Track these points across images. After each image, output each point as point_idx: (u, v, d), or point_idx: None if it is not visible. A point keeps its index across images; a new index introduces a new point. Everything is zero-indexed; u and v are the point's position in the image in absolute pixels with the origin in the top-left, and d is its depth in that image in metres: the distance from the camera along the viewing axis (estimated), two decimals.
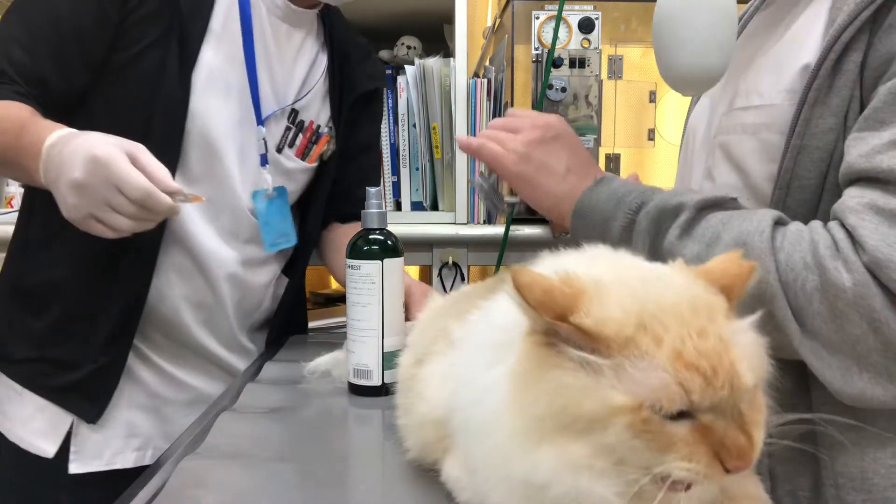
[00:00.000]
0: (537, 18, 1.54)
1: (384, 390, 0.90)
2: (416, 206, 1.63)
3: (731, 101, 0.75)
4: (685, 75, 0.71)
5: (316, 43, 1.19)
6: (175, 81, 1.00)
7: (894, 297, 0.57)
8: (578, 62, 1.54)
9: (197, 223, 1.07)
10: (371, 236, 0.92)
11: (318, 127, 1.20)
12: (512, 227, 1.55)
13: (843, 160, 0.63)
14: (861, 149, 0.61)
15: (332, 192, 1.25)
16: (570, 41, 1.54)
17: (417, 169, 1.62)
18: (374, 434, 0.84)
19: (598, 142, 1.56)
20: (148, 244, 1.02)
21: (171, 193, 0.86)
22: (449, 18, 1.65)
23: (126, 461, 1.09)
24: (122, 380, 1.07)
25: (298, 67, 1.16)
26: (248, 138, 1.09)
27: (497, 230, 1.54)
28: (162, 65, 1.00)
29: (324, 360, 1.02)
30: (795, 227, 0.63)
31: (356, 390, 0.92)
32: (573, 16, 1.53)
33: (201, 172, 1.06)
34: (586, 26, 1.53)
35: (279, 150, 1.15)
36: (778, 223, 0.63)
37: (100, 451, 1.07)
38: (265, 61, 1.10)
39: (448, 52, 1.68)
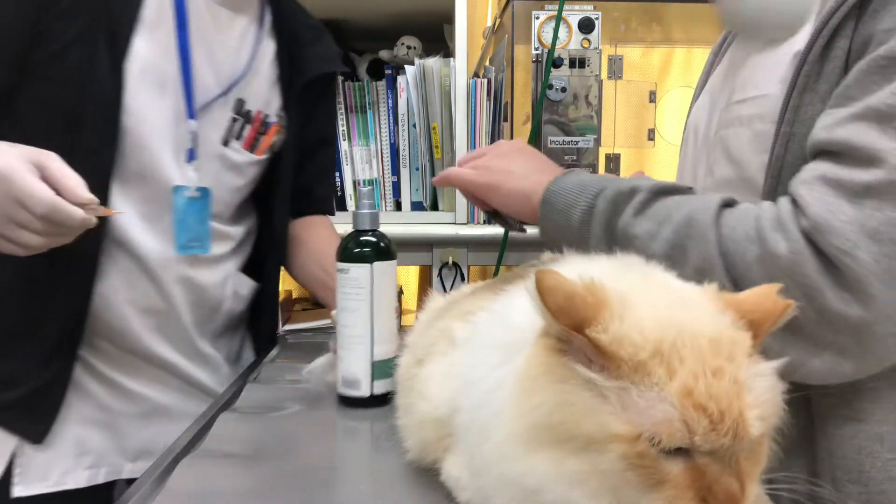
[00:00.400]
0: (537, 18, 1.54)
1: (373, 401, 0.85)
2: (416, 206, 1.63)
3: (729, 96, 0.75)
4: (774, 16, 0.69)
5: (262, 28, 1.12)
6: (105, 76, 0.94)
7: (829, 264, 0.56)
8: (578, 62, 1.54)
9: (137, 224, 1.00)
10: (362, 238, 0.87)
11: (266, 116, 1.13)
12: None
13: None
14: (823, 122, 0.61)
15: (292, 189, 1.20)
16: (570, 41, 1.54)
17: (417, 169, 1.62)
18: (362, 447, 0.80)
19: (598, 142, 1.56)
20: (87, 249, 0.94)
21: (83, 205, 0.80)
22: (449, 18, 1.65)
23: (78, 480, 1.01)
24: (69, 394, 0.99)
25: (243, 53, 1.08)
26: (185, 133, 1.02)
27: (497, 230, 1.54)
28: (90, 59, 0.93)
29: (321, 362, 1.02)
30: (744, 206, 0.64)
31: (344, 401, 0.87)
32: (573, 16, 1.53)
33: (138, 171, 0.99)
34: (586, 26, 1.53)
35: (225, 143, 1.08)
36: (727, 204, 0.64)
37: (46, 471, 0.98)
38: (205, 49, 1.03)
39: (448, 52, 1.68)
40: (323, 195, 1.28)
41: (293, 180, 1.19)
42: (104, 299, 0.99)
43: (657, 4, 1.56)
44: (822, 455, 0.64)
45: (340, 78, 1.62)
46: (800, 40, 0.67)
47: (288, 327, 1.52)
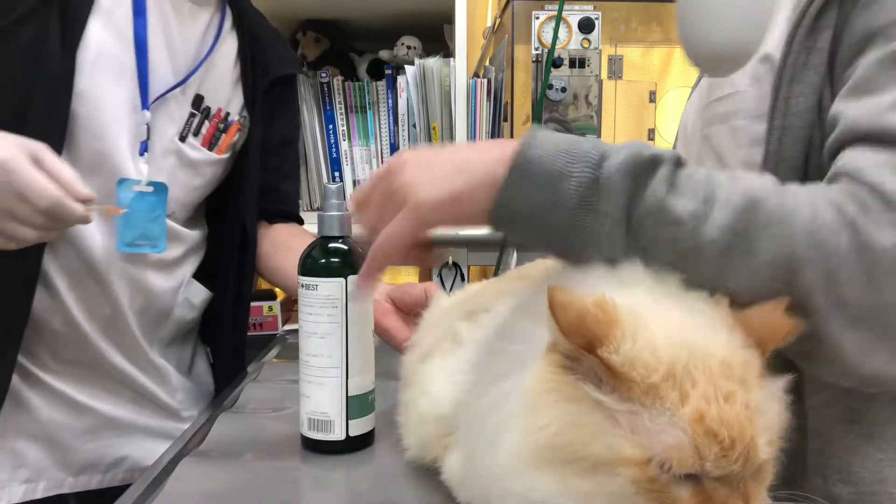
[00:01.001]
0: (537, 18, 1.54)
1: (350, 444, 0.72)
2: None
3: (709, 95, 0.75)
4: (717, 52, 0.63)
5: (223, 24, 1.08)
6: (56, 58, 0.89)
7: None
8: (578, 62, 1.53)
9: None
10: (331, 246, 0.72)
11: (228, 115, 1.08)
12: None
13: (833, 128, 0.60)
14: (861, 110, 0.58)
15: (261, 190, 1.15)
16: (570, 41, 1.54)
17: None
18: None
19: None
20: (31, 247, 0.86)
21: (83, 201, 0.79)
22: (449, 18, 1.64)
23: (13, 496, 0.95)
24: (6, 408, 0.93)
25: (204, 48, 1.05)
26: (139, 124, 0.98)
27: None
28: (40, 39, 0.88)
29: None
30: (797, 187, 0.56)
31: (311, 445, 0.72)
32: (573, 16, 1.53)
33: (91, 163, 0.94)
34: (586, 26, 1.53)
35: (182, 139, 1.03)
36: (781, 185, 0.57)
37: None
38: (164, 41, 1.00)
39: (448, 52, 1.68)
40: (288, 193, 1.23)
41: (259, 181, 1.15)
42: (48, 300, 0.94)
43: (657, 4, 1.56)
44: (812, 454, 0.64)
45: (340, 78, 1.62)
46: (770, 41, 0.67)
47: (288, 327, 1.52)
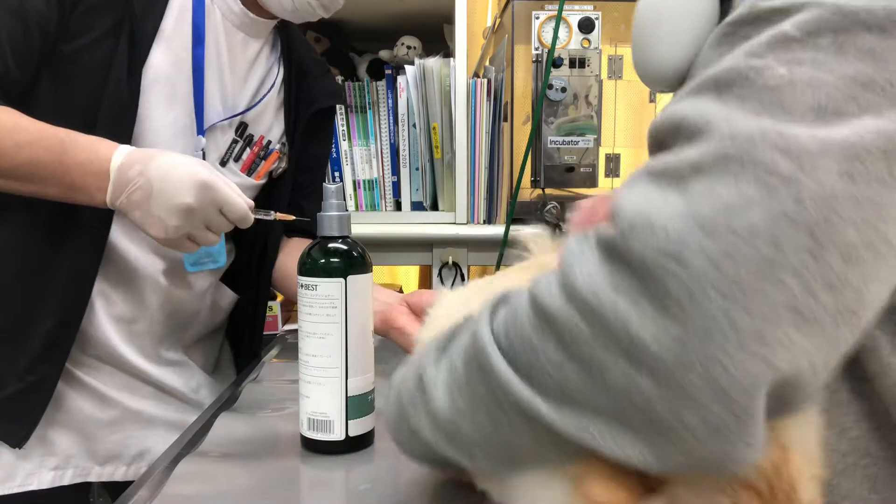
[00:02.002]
0: (537, 18, 1.54)
1: (349, 445, 0.72)
2: (416, 206, 1.63)
3: None
4: (664, 72, 0.68)
5: (272, 55, 1.13)
6: (123, 82, 0.94)
7: (642, 277, 0.38)
8: (578, 62, 1.53)
9: (121, 231, 0.99)
10: (330, 246, 0.72)
11: (269, 143, 1.13)
12: (512, 227, 1.55)
13: None
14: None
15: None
16: (570, 41, 1.54)
17: (417, 169, 1.62)
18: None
19: (598, 142, 1.56)
20: (90, 260, 0.95)
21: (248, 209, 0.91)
22: (449, 18, 1.64)
23: (42, 481, 1.00)
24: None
25: (252, 79, 1.09)
26: (189, 148, 1.02)
27: (497, 230, 1.54)
28: (109, 62, 0.93)
29: None
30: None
31: (311, 445, 0.73)
32: (573, 16, 1.53)
33: None
34: (586, 26, 1.53)
35: (223, 164, 1.07)
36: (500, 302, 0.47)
37: (12, 471, 0.98)
38: (216, 69, 1.03)
39: (448, 52, 1.68)
40: (310, 211, 1.23)
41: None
42: (89, 306, 0.98)
43: None
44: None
45: (340, 78, 1.62)
46: None
47: (288, 327, 1.52)
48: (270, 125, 1.13)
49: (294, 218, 1.02)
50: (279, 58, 1.14)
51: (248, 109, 1.08)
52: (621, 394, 0.38)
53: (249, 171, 1.11)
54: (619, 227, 0.39)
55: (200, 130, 1.02)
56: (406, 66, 1.59)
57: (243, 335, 1.22)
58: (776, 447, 0.40)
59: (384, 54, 1.74)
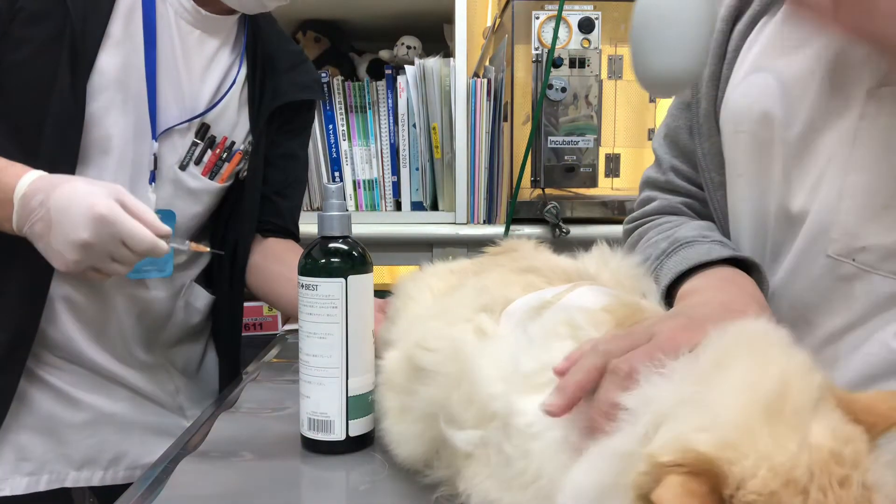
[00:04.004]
0: (537, 18, 1.54)
1: (349, 445, 0.72)
2: (416, 206, 1.63)
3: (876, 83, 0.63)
4: (665, 77, 0.64)
5: (234, 52, 1.07)
6: (67, 90, 0.91)
7: None
8: (578, 62, 1.53)
9: None
10: (331, 246, 0.72)
11: (233, 143, 1.08)
12: (512, 227, 1.55)
13: None
14: None
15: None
16: (570, 41, 1.54)
17: (417, 169, 1.62)
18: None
19: (598, 142, 1.55)
20: (44, 268, 0.92)
21: (162, 236, 0.87)
22: (449, 18, 1.64)
23: (16, 487, 0.99)
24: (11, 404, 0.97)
25: (210, 77, 1.04)
26: (144, 153, 0.99)
27: (497, 230, 1.54)
28: (53, 71, 0.90)
29: None
30: None
31: (311, 445, 0.73)
32: (573, 16, 1.53)
33: None
34: (586, 26, 1.53)
35: (183, 168, 1.04)
36: None
37: None
38: (171, 70, 1.00)
39: (448, 52, 1.68)
40: (285, 209, 1.20)
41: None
42: (52, 313, 0.98)
43: None
44: None
45: (340, 78, 1.62)
46: None
47: (287, 327, 1.52)
48: (234, 125, 1.08)
49: (209, 250, 1.01)
50: (243, 55, 1.09)
51: (207, 111, 1.04)
52: None
53: (212, 173, 1.07)
54: None
55: (154, 135, 0.99)
56: (406, 66, 1.59)
57: (223, 336, 1.19)
58: (860, 488, 0.39)
59: (384, 54, 1.74)
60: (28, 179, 0.85)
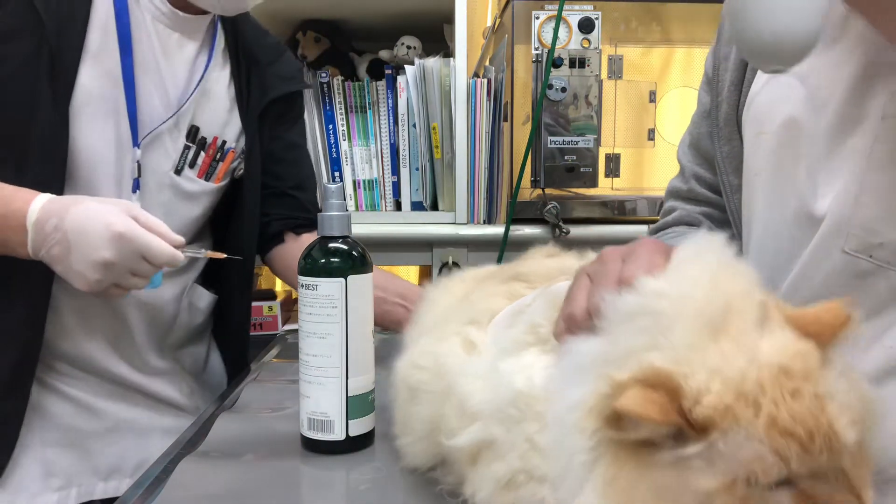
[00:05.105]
0: (537, 18, 1.54)
1: (349, 445, 0.72)
2: (416, 206, 1.63)
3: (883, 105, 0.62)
4: (775, 43, 0.53)
5: (213, 52, 1.06)
6: (49, 108, 0.91)
7: None
8: (578, 62, 1.53)
9: None
10: (331, 246, 0.72)
11: (224, 143, 1.08)
12: (512, 227, 1.55)
13: None
14: None
15: (271, 199, 1.16)
16: (570, 41, 1.54)
17: (417, 169, 1.62)
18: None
19: (598, 142, 1.55)
20: (41, 282, 0.94)
21: (177, 246, 0.89)
22: (449, 18, 1.64)
23: (47, 503, 0.99)
24: (31, 419, 0.97)
25: (194, 79, 1.04)
26: (126, 160, 0.99)
27: (497, 230, 1.54)
28: (33, 91, 0.90)
29: None
30: None
31: (311, 445, 0.73)
32: (573, 16, 1.53)
33: None
34: (586, 26, 1.53)
35: (178, 172, 1.04)
36: None
37: (13, 497, 0.97)
38: (154, 75, 0.99)
39: (448, 52, 1.68)
40: (306, 202, 1.21)
41: (272, 189, 1.16)
42: (56, 326, 0.98)
43: (657, 4, 1.56)
44: None
45: (340, 78, 1.62)
46: None
47: (288, 327, 1.52)
48: (224, 124, 1.08)
49: (225, 256, 1.01)
50: (224, 53, 1.09)
51: (180, 107, 1.02)
52: None
53: (207, 175, 1.08)
54: None
55: (136, 142, 0.98)
56: (406, 66, 1.59)
57: (227, 335, 1.20)
58: (812, 398, 0.42)
59: (384, 54, 1.74)
60: (38, 204, 0.86)
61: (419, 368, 0.64)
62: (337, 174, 1.63)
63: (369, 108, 1.62)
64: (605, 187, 1.58)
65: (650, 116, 1.59)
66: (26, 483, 0.97)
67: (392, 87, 1.60)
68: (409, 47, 1.70)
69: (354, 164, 1.63)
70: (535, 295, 0.62)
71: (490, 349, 0.59)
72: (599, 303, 0.50)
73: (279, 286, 2.00)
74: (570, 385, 0.48)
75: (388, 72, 1.62)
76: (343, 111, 1.61)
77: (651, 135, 1.60)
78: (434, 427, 0.60)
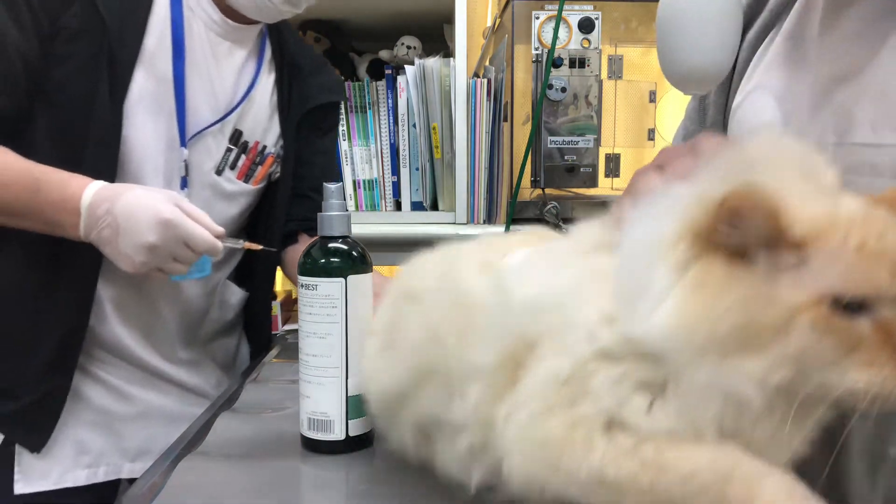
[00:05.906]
0: (537, 18, 1.54)
1: (349, 445, 0.71)
2: (416, 206, 1.63)
3: (841, 130, 0.63)
4: (691, 73, 0.66)
5: (261, 60, 1.13)
6: (106, 109, 0.96)
7: None
8: (578, 62, 1.54)
9: None
10: (330, 246, 0.72)
11: (264, 148, 1.14)
12: (512, 227, 1.55)
13: None
14: None
15: (292, 199, 1.20)
16: (570, 41, 1.54)
17: (417, 169, 1.62)
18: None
19: (598, 142, 1.56)
20: (89, 269, 0.99)
21: (217, 236, 0.94)
22: (449, 18, 1.65)
23: (77, 479, 1.05)
24: (68, 402, 1.03)
25: (241, 85, 1.10)
26: (174, 160, 1.04)
27: (497, 230, 1.54)
28: (93, 89, 0.95)
29: None
30: None
31: (311, 445, 0.73)
32: (573, 16, 1.53)
33: None
34: (586, 26, 1.53)
35: (219, 173, 1.10)
36: None
37: (47, 471, 1.03)
38: (205, 80, 1.05)
39: (448, 52, 1.68)
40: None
41: (294, 190, 1.20)
42: (96, 315, 1.03)
43: (657, 4, 1.57)
44: None
45: (340, 78, 1.62)
46: None
47: (288, 327, 1.52)
48: (265, 130, 1.14)
49: (261, 247, 1.06)
50: (270, 61, 1.14)
51: (231, 111, 1.08)
52: None
53: (246, 177, 1.13)
54: None
55: (183, 142, 1.03)
56: (406, 66, 1.60)
57: (255, 330, 1.26)
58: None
59: (384, 54, 1.74)
60: (92, 189, 0.92)
61: (422, 279, 0.62)
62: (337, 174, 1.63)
63: (369, 108, 1.62)
64: (605, 187, 1.58)
65: (650, 116, 1.60)
66: (60, 458, 1.03)
67: (392, 87, 1.60)
68: (409, 47, 1.71)
69: (354, 163, 1.63)
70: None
71: (516, 264, 0.57)
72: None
73: (279, 286, 2.00)
74: (651, 223, 0.48)
75: (388, 72, 1.62)
76: (343, 111, 1.61)
77: (651, 135, 1.60)
78: (432, 335, 0.58)
